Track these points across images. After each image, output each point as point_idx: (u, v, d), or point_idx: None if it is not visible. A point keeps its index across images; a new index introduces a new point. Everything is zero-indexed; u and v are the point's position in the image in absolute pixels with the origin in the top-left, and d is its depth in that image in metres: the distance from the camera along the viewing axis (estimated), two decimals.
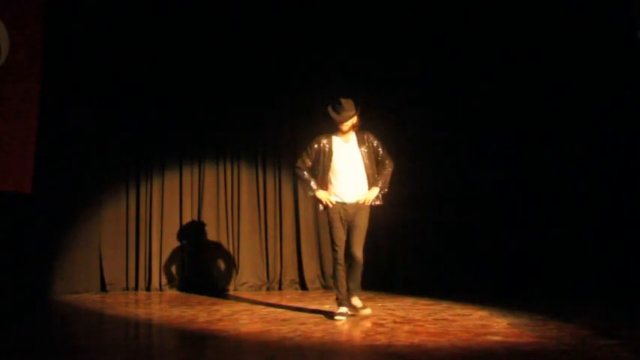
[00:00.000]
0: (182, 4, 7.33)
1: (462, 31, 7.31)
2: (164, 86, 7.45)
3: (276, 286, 7.35)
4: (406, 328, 4.28)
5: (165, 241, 7.34)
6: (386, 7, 7.35)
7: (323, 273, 7.38)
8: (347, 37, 7.47)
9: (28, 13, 6.62)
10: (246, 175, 7.54)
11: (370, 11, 7.39)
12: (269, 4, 7.39)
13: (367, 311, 4.96)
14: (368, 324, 4.54)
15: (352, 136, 4.97)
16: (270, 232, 7.45)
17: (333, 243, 4.88)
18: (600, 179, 6.72)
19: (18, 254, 6.33)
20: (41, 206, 6.59)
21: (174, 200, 7.43)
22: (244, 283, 7.28)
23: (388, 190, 5.03)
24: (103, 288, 7.21)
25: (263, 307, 5.69)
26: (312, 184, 4.94)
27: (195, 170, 7.53)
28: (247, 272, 7.32)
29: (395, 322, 4.54)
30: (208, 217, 7.42)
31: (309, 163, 5.00)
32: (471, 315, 4.84)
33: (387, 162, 5.01)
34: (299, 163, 5.05)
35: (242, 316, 5.09)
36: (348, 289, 4.91)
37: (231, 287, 7.23)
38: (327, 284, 7.32)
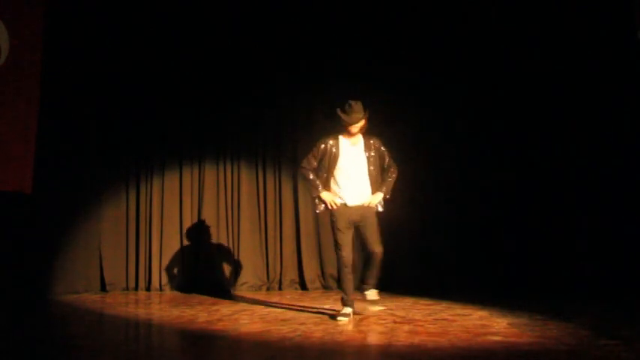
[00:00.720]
0: (182, 4, 7.33)
1: (462, 31, 7.30)
2: (164, 86, 7.45)
3: (276, 286, 7.35)
4: (406, 328, 4.28)
5: (166, 241, 7.34)
6: (386, 7, 7.34)
7: (323, 273, 7.38)
8: (347, 37, 7.46)
9: (28, 13, 6.62)
10: (246, 175, 7.53)
11: (370, 11, 7.38)
12: (269, 4, 7.39)
13: (377, 308, 4.94)
14: (368, 324, 4.54)
15: (360, 140, 4.94)
16: (270, 232, 7.45)
17: (336, 245, 4.85)
18: (600, 179, 6.72)
19: (18, 254, 6.33)
20: (41, 206, 6.59)
21: (174, 200, 7.43)
22: (244, 283, 7.28)
23: (390, 197, 5.02)
24: (103, 288, 7.21)
25: (263, 307, 5.69)
26: (318, 184, 4.91)
27: (195, 170, 7.53)
28: (247, 272, 7.32)
29: (395, 322, 4.54)
30: (208, 217, 7.42)
31: (315, 164, 4.95)
32: (470, 315, 4.84)
33: (392, 169, 5.01)
34: (304, 163, 4.99)
35: (242, 316, 5.09)
36: (364, 282, 4.91)
37: (231, 287, 7.22)
38: (327, 284, 7.33)
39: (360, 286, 4.97)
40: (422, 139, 7.35)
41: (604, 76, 6.68)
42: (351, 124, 4.82)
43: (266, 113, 7.54)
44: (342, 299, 4.85)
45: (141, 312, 5.77)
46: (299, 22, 7.49)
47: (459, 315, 4.86)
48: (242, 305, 5.84)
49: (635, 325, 4.40)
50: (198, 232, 7.39)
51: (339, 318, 4.71)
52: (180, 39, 7.42)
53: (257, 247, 7.41)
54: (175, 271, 7.33)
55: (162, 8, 7.31)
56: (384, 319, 4.70)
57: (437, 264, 7.13)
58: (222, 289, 7.12)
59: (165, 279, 7.28)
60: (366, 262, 4.88)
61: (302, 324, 4.53)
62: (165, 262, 7.30)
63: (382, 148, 5.00)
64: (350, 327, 4.43)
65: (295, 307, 5.60)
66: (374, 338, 3.90)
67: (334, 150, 4.89)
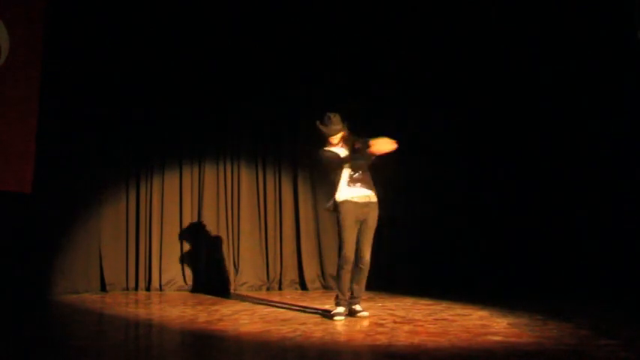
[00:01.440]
0: (182, 4, 7.33)
1: (462, 31, 7.31)
2: (164, 86, 7.45)
3: (276, 286, 7.36)
4: (406, 328, 4.28)
5: (166, 241, 7.35)
6: (386, 7, 7.35)
7: (323, 273, 7.39)
8: (347, 37, 7.47)
9: (28, 13, 6.62)
10: (246, 175, 7.54)
11: (370, 11, 7.39)
12: (269, 4, 7.39)
13: (366, 313, 4.95)
14: (368, 324, 4.53)
15: (343, 147, 4.99)
16: (270, 232, 7.45)
17: (343, 243, 4.80)
18: (600, 179, 6.72)
19: (18, 254, 6.33)
20: (41, 206, 6.59)
21: (174, 200, 7.43)
22: (244, 283, 7.28)
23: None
24: (103, 288, 7.21)
25: (263, 307, 5.69)
26: (342, 155, 4.87)
27: (195, 170, 7.53)
28: (247, 272, 7.32)
29: (395, 322, 4.54)
30: (208, 217, 7.42)
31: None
32: (470, 315, 4.84)
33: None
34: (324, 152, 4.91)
35: (242, 316, 5.09)
36: (354, 296, 4.88)
37: (231, 287, 7.23)
38: (327, 284, 7.33)
39: (350, 301, 4.88)
40: (422, 139, 7.35)
41: (604, 76, 6.68)
42: (330, 136, 4.92)
43: (266, 113, 7.54)
44: (337, 298, 4.82)
45: (141, 312, 5.77)
46: (299, 22, 7.50)
47: (459, 315, 4.85)
48: (242, 305, 5.84)
49: (635, 325, 4.40)
50: (198, 232, 7.39)
51: (335, 318, 4.70)
52: (180, 39, 7.42)
53: (257, 247, 7.41)
54: (175, 271, 7.33)
55: (163, 8, 7.31)
56: (384, 319, 4.70)
57: (437, 264, 7.13)
58: (222, 289, 7.13)
59: (165, 279, 7.28)
60: (355, 272, 4.82)
61: (302, 324, 4.53)
62: (165, 262, 7.31)
63: (352, 137, 4.98)
64: (347, 326, 4.43)
65: (295, 307, 5.60)
66: (374, 338, 3.90)
67: (336, 155, 4.91)
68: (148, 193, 7.43)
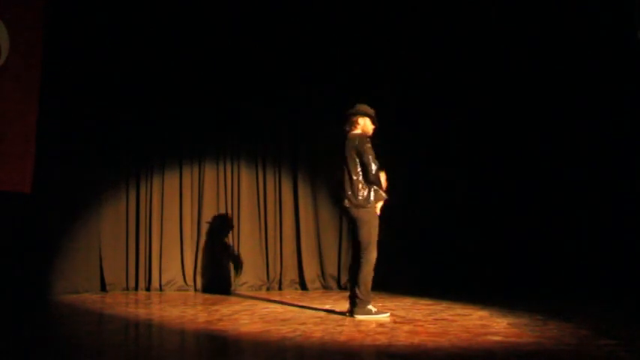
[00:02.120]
0: (182, 4, 7.33)
1: (462, 31, 7.31)
2: (164, 86, 7.45)
3: (276, 286, 7.36)
4: (406, 328, 4.28)
5: (165, 241, 7.34)
6: (386, 7, 7.35)
7: (323, 273, 7.39)
8: (347, 37, 7.47)
9: (28, 13, 6.62)
10: (246, 175, 7.54)
11: (370, 11, 7.39)
12: (269, 4, 7.39)
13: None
14: (368, 324, 4.53)
15: None
16: (270, 232, 7.45)
17: (373, 245, 4.78)
18: (600, 179, 6.73)
19: (18, 254, 6.33)
20: (41, 206, 6.59)
21: (174, 200, 7.43)
22: (244, 283, 7.28)
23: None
24: (103, 288, 7.21)
25: (263, 307, 5.69)
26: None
27: (195, 170, 7.53)
28: (247, 272, 7.32)
29: (395, 322, 4.54)
30: (208, 217, 7.42)
31: None
32: (471, 315, 4.84)
33: None
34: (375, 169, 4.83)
35: (242, 316, 5.09)
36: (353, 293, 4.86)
37: (231, 287, 7.23)
38: (327, 284, 7.34)
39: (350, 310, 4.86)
40: (421, 139, 7.35)
41: (604, 76, 6.68)
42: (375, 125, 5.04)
43: (266, 113, 7.54)
44: (366, 301, 4.75)
45: (141, 312, 5.77)
46: (299, 22, 7.49)
47: (459, 315, 4.85)
48: (242, 305, 5.84)
49: (635, 325, 4.40)
50: (198, 232, 7.39)
51: (385, 316, 4.74)
52: (180, 39, 7.42)
53: (257, 247, 7.41)
54: (175, 271, 7.33)
55: (163, 8, 7.31)
56: (384, 319, 4.70)
57: (437, 264, 7.13)
58: (222, 289, 7.13)
59: (165, 279, 7.28)
60: (356, 273, 4.79)
61: (302, 324, 4.53)
62: (165, 262, 7.31)
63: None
64: (347, 326, 4.43)
65: (295, 307, 5.60)
66: (374, 338, 3.90)
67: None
68: (148, 193, 7.43)
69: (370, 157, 4.77)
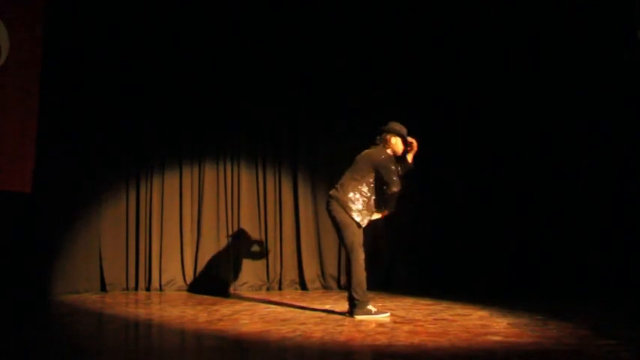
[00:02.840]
0: (182, 4, 7.33)
1: (462, 31, 7.31)
2: (164, 86, 7.45)
3: (276, 286, 7.35)
4: (406, 328, 4.28)
5: (165, 241, 7.34)
6: (386, 7, 7.35)
7: (323, 273, 7.39)
8: (347, 37, 7.47)
9: (28, 13, 6.62)
10: (246, 175, 7.54)
11: (370, 11, 7.39)
12: (269, 4, 7.39)
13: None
14: (368, 324, 4.53)
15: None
16: (270, 232, 7.45)
17: (358, 246, 4.82)
18: (600, 179, 6.72)
19: (18, 254, 6.33)
20: (41, 206, 6.59)
21: (174, 200, 7.43)
22: (244, 283, 7.28)
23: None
24: (103, 288, 7.21)
25: (263, 307, 5.69)
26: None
27: (195, 170, 7.53)
28: (247, 272, 7.32)
29: (395, 322, 4.54)
30: (208, 217, 7.42)
31: None
32: (471, 315, 4.84)
33: None
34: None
35: (242, 316, 5.09)
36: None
37: (231, 287, 7.23)
38: (327, 284, 7.34)
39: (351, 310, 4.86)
40: (422, 138, 7.33)
41: (604, 76, 6.68)
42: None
43: (266, 113, 7.54)
44: (365, 302, 4.78)
45: (141, 312, 5.77)
46: (299, 22, 7.49)
47: (459, 315, 4.85)
48: (242, 305, 5.84)
49: (635, 325, 4.40)
50: (199, 232, 7.39)
51: (385, 316, 4.74)
52: (180, 39, 7.42)
53: (257, 247, 7.41)
54: (175, 271, 7.33)
55: (163, 8, 7.31)
56: (384, 319, 4.70)
57: (437, 264, 7.13)
58: (222, 289, 7.12)
59: (165, 279, 7.28)
60: (350, 275, 4.83)
61: (302, 324, 4.53)
62: (165, 262, 7.31)
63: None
64: (347, 326, 4.44)
65: (295, 307, 5.60)
66: (374, 338, 3.90)
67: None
68: (148, 193, 7.43)
69: (395, 177, 4.85)
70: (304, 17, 7.48)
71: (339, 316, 4.94)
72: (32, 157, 6.53)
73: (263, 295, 6.85)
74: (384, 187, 4.87)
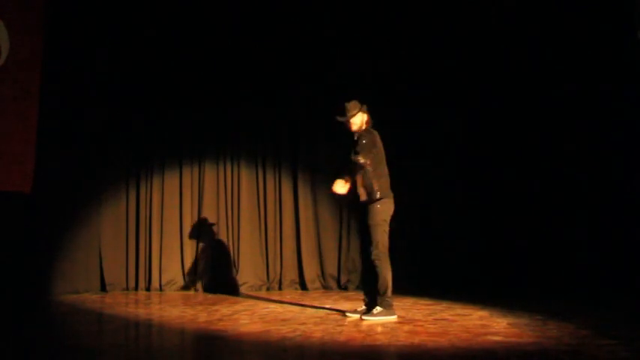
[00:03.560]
0: (182, 4, 7.33)
1: (462, 31, 7.31)
2: (164, 86, 7.45)
3: (276, 286, 7.35)
4: (406, 328, 4.28)
5: (165, 241, 7.34)
6: (386, 7, 7.35)
7: (323, 273, 7.39)
8: (347, 37, 7.47)
9: (28, 14, 6.63)
10: (246, 175, 7.53)
11: (370, 11, 7.39)
12: (269, 5, 7.39)
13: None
14: (368, 324, 4.54)
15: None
16: (270, 232, 7.45)
17: (386, 247, 4.84)
18: (600, 179, 6.72)
19: (18, 254, 6.33)
20: (41, 206, 6.59)
21: (174, 200, 7.43)
22: (244, 283, 7.28)
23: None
24: (103, 288, 7.21)
25: (263, 307, 5.69)
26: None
27: (195, 170, 7.53)
28: (247, 272, 7.32)
29: (395, 322, 4.54)
30: (208, 217, 7.42)
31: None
32: (471, 315, 4.84)
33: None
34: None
35: (242, 316, 5.09)
36: (371, 296, 4.86)
37: (231, 287, 7.22)
38: (327, 284, 7.33)
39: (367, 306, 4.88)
40: (421, 138, 7.34)
41: (604, 75, 6.68)
42: (347, 122, 5.07)
43: (266, 113, 7.54)
44: (390, 303, 4.76)
45: (141, 312, 5.77)
46: (299, 22, 7.49)
47: (459, 315, 4.86)
48: (242, 305, 5.84)
49: (635, 325, 4.40)
50: (198, 232, 7.39)
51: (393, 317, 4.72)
52: (180, 39, 7.42)
53: (257, 247, 7.41)
54: (175, 271, 7.33)
55: (163, 8, 7.31)
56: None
57: (437, 264, 7.12)
58: (222, 289, 7.12)
59: (165, 279, 7.28)
60: (371, 274, 4.81)
61: (302, 324, 4.53)
62: (165, 262, 7.30)
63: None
64: (347, 326, 4.44)
65: (295, 307, 5.60)
66: (374, 338, 3.90)
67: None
68: (147, 193, 7.43)
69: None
70: (304, 17, 7.47)
71: (339, 316, 4.94)
72: (32, 158, 6.54)
73: (263, 295, 6.85)
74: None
